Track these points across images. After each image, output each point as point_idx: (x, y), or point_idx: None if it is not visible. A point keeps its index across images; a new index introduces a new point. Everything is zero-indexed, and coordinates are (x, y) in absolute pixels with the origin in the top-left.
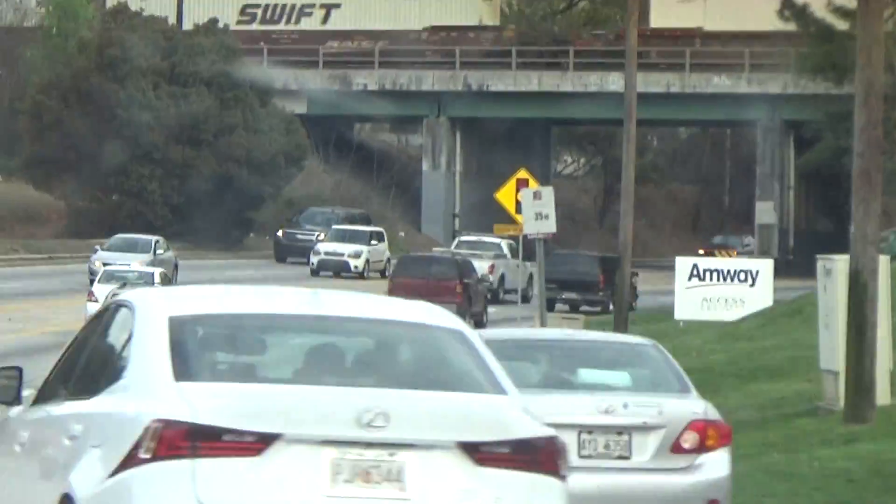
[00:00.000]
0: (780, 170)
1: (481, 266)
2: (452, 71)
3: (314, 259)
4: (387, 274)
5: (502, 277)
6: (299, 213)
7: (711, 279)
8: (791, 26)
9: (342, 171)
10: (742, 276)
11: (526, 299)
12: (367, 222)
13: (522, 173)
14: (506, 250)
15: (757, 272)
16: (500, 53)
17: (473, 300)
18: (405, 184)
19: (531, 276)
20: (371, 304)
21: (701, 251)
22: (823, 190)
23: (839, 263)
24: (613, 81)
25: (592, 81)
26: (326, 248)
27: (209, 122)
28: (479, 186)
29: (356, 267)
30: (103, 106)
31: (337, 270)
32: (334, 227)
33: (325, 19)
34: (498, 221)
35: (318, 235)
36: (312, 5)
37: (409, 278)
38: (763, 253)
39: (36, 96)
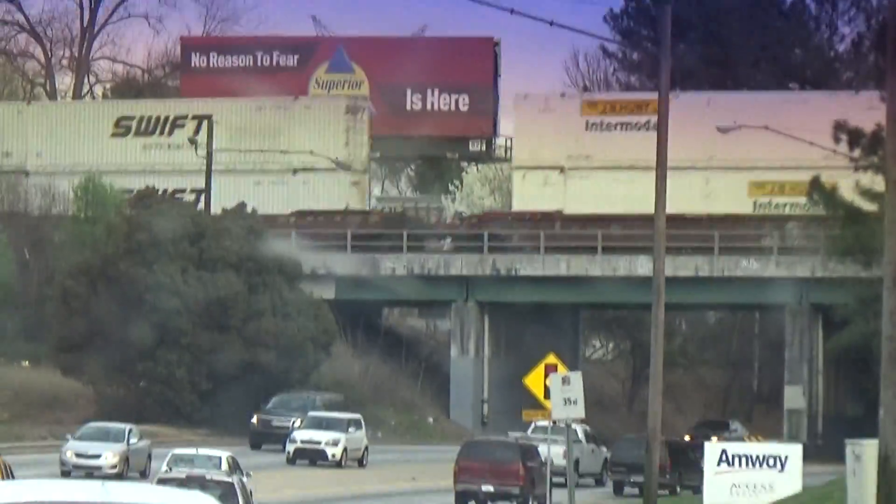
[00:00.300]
0: (808, 354)
1: (557, 451)
2: (481, 255)
3: (290, 447)
4: (364, 462)
5: (577, 462)
6: (268, 399)
7: (740, 465)
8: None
9: (370, 356)
10: (771, 461)
11: (600, 483)
12: (345, 408)
13: (551, 358)
14: (581, 436)
15: (786, 457)
16: (528, 237)
17: (536, 483)
18: (434, 369)
19: (605, 461)
20: (149, 494)
21: (687, 437)
22: (852, 374)
23: (868, 448)
24: (642, 265)
25: (621, 265)
26: (303, 435)
27: (237, 306)
28: (508, 371)
29: (333, 455)
30: (131, 291)
31: (314, 459)
32: (310, 413)
33: (197, 130)
34: (527, 406)
35: (295, 422)
36: (185, 116)
37: (473, 461)
38: (792, 438)
39: (64, 281)
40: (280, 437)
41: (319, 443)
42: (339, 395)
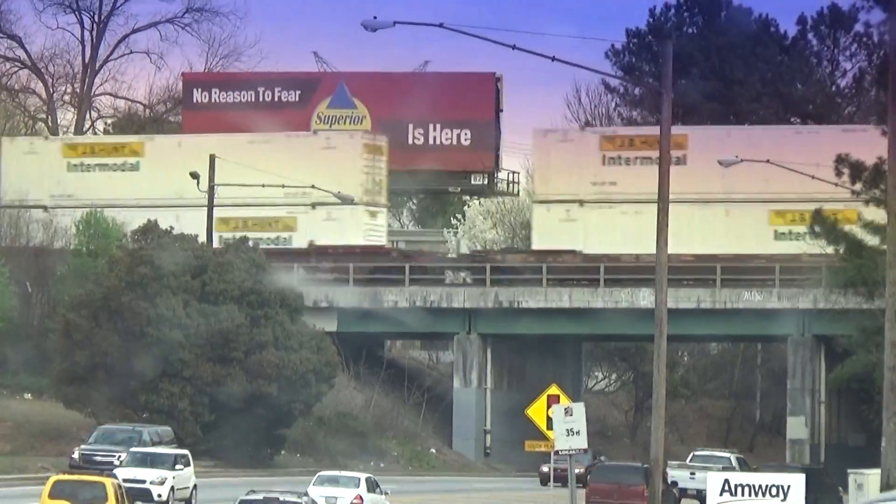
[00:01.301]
0: (811, 384)
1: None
2: (483, 288)
3: None
4: (193, 503)
5: None
6: (90, 432)
7: (743, 494)
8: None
9: (373, 387)
10: (774, 490)
11: None
12: (174, 442)
13: (553, 389)
14: (734, 463)
15: (789, 487)
16: (530, 270)
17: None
18: (436, 400)
19: None
20: None
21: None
22: (855, 404)
23: (871, 478)
24: (644, 297)
25: (623, 297)
26: (126, 473)
27: (240, 339)
28: (511, 401)
29: (160, 496)
30: (133, 323)
31: (137, 500)
32: (132, 449)
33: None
34: (530, 437)
35: (119, 457)
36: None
37: (603, 483)
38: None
39: (66, 314)
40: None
41: (144, 481)
42: (168, 428)
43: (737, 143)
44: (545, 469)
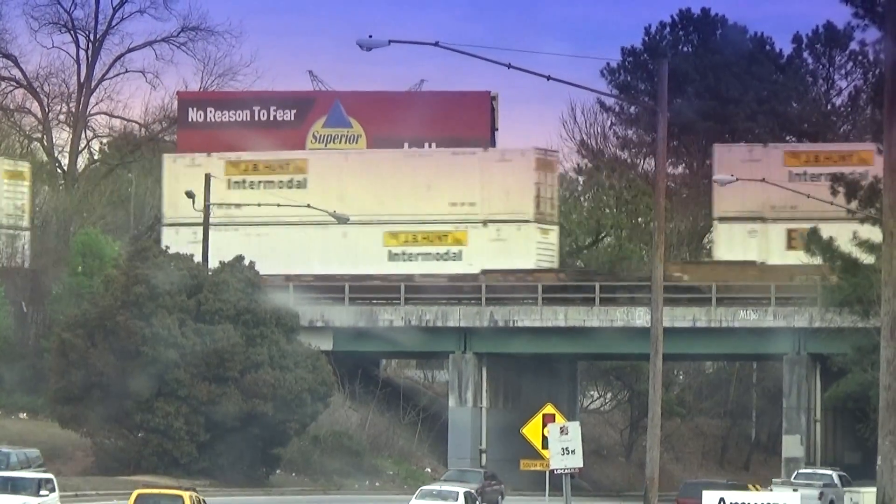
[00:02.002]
0: (806, 403)
1: (812, 494)
2: (478, 307)
3: None
4: None
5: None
6: None
7: None
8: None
9: (368, 406)
10: None
11: None
12: (42, 466)
13: (549, 408)
14: (836, 480)
15: None
16: (525, 289)
17: None
18: (431, 419)
19: None
20: None
21: None
22: (850, 423)
23: (866, 496)
24: (640, 316)
25: (619, 316)
26: None
27: (235, 358)
28: (506, 420)
29: None
30: (129, 343)
31: None
32: None
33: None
34: (525, 455)
35: None
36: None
37: (689, 499)
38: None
39: (62, 334)
40: None
41: None
42: (36, 451)
43: (353, 165)
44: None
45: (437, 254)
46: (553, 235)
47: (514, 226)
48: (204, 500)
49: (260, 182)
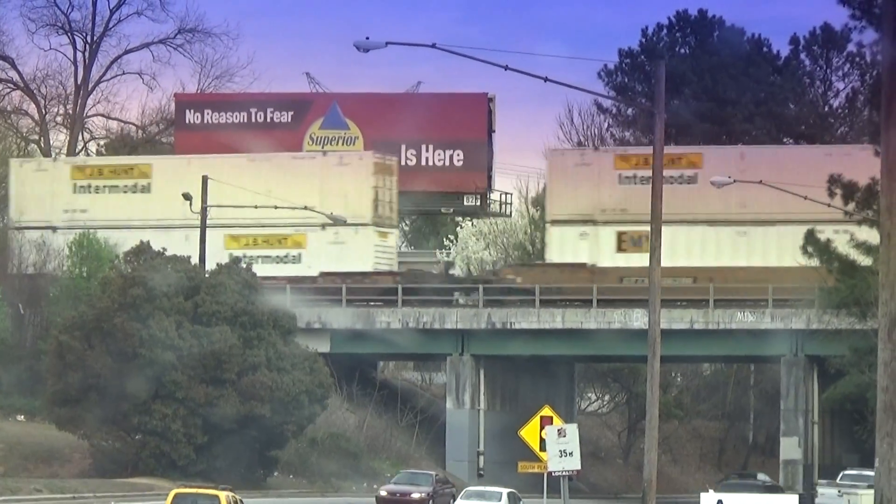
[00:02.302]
0: (804, 405)
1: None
2: (476, 309)
3: None
4: None
5: None
6: None
7: None
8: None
9: (366, 408)
10: None
11: None
12: None
13: (546, 411)
14: None
15: None
16: (523, 291)
17: None
18: (429, 421)
19: None
20: None
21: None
22: (848, 425)
23: (864, 498)
24: (637, 318)
25: (616, 318)
26: None
27: (232, 360)
28: (504, 423)
29: None
30: (126, 345)
31: None
32: None
33: None
34: (523, 458)
35: None
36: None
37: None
38: (788, 488)
39: (59, 336)
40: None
41: None
42: None
43: (196, 170)
44: (383, 493)
45: (277, 256)
46: (392, 238)
47: (352, 229)
48: (241, 500)
49: (105, 186)
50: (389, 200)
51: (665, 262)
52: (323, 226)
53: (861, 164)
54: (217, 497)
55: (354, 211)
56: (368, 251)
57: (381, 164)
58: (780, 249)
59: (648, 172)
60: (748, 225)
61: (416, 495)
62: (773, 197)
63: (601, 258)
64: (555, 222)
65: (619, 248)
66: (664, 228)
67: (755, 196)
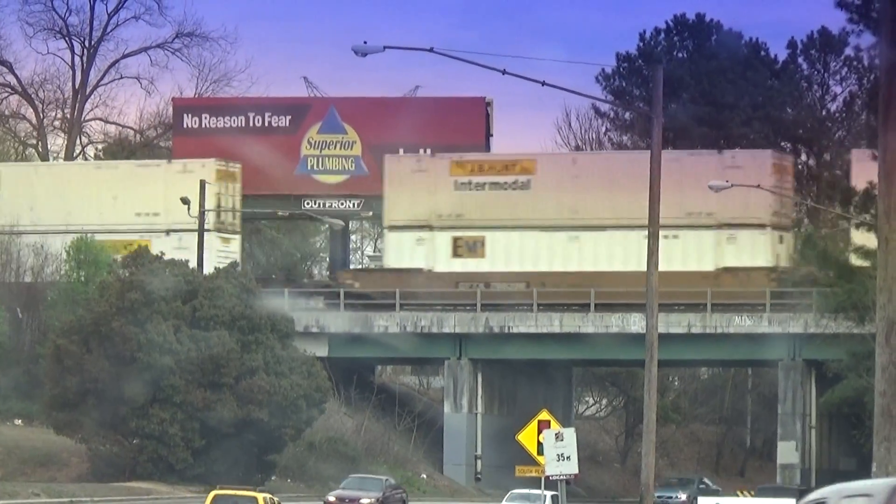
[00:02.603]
0: (801, 409)
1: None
2: (474, 313)
3: None
4: None
5: None
6: None
7: None
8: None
9: (363, 412)
10: None
11: None
12: None
13: (544, 415)
14: None
15: None
16: (521, 295)
17: None
18: (427, 425)
19: None
20: None
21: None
22: (845, 429)
23: (861, 503)
24: (634, 322)
25: (614, 322)
26: None
27: (230, 364)
28: (501, 426)
29: None
30: (124, 349)
31: None
32: None
33: None
34: (520, 462)
35: None
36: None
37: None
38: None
39: (57, 340)
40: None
41: None
42: None
43: (44, 177)
44: (331, 499)
45: None
46: (234, 244)
47: (194, 234)
48: (278, 502)
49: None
50: (232, 207)
51: (499, 266)
52: (167, 231)
53: (699, 168)
54: (255, 498)
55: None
56: (210, 256)
57: (224, 171)
58: (610, 254)
59: (483, 178)
60: (580, 230)
61: (365, 500)
62: (604, 203)
63: (437, 263)
64: (392, 228)
65: (455, 254)
66: (498, 234)
67: (587, 202)
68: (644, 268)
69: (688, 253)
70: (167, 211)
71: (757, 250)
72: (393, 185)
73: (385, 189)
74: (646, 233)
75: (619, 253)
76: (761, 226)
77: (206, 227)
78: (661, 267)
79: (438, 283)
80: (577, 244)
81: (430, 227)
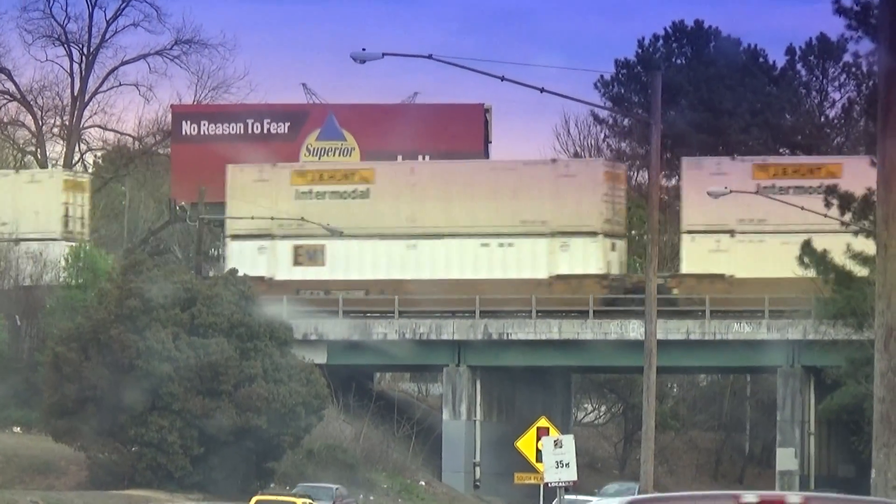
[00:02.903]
0: (800, 415)
1: None
2: (473, 320)
3: None
4: None
5: None
6: None
7: None
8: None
9: (362, 419)
10: None
11: None
12: None
13: (543, 422)
14: None
15: None
16: (519, 302)
17: None
18: (425, 432)
19: None
20: None
21: None
22: (844, 435)
23: None
24: (634, 329)
25: (613, 329)
26: None
27: (229, 372)
28: (500, 433)
29: None
30: (123, 357)
31: None
32: None
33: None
34: (519, 469)
35: None
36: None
37: None
38: None
39: (56, 347)
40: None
41: None
42: None
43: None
44: None
45: None
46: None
47: (42, 244)
48: None
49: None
50: (81, 216)
51: (339, 274)
52: (17, 241)
53: (534, 177)
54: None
55: (44, 226)
56: (58, 266)
57: (72, 181)
58: (447, 261)
59: (323, 188)
60: (417, 238)
61: None
62: (440, 212)
63: (278, 272)
64: (234, 237)
65: (296, 262)
66: (338, 242)
67: (424, 211)
68: (477, 276)
69: (522, 260)
70: (15, 220)
71: (589, 258)
72: (235, 195)
73: (227, 199)
74: (480, 241)
75: (456, 260)
76: (593, 234)
77: (53, 236)
78: (497, 275)
79: (280, 291)
80: (414, 252)
81: (271, 237)
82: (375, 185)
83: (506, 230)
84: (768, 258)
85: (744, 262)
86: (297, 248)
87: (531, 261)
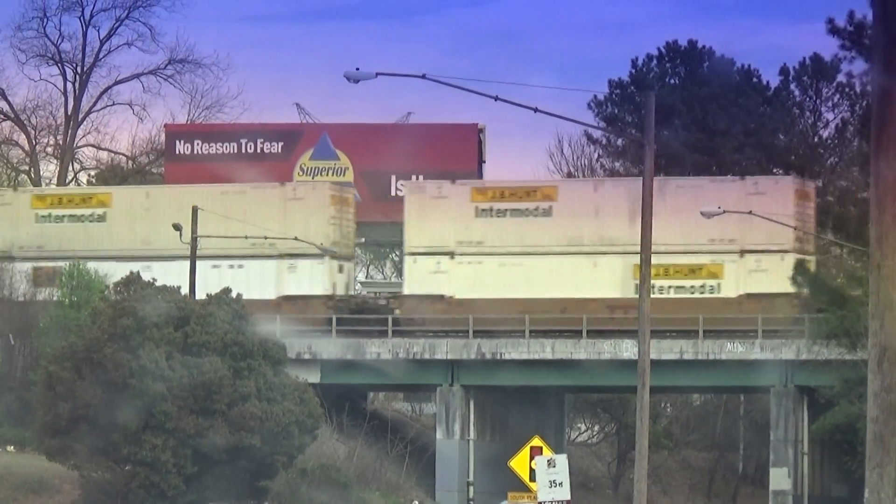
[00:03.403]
0: (794, 435)
1: None
2: (466, 339)
3: None
4: None
5: None
6: None
7: None
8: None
9: (356, 439)
10: None
11: None
12: None
13: (536, 441)
14: None
15: None
16: (514, 321)
17: None
18: (419, 452)
19: None
20: None
21: None
22: (838, 455)
23: None
24: (626, 348)
25: (606, 349)
26: None
27: (222, 391)
28: (494, 453)
29: None
30: (116, 375)
31: None
32: None
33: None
34: (513, 488)
35: None
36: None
37: None
38: None
39: (49, 366)
40: None
41: None
42: None
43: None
44: None
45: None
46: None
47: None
48: None
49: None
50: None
51: None
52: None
53: (256, 200)
54: None
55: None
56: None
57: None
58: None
59: (62, 211)
60: (152, 260)
61: None
62: (175, 235)
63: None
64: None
65: (37, 284)
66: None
67: (160, 233)
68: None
69: (251, 282)
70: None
71: (315, 279)
72: None
73: None
74: (211, 263)
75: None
76: (320, 255)
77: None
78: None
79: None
80: (149, 273)
81: (11, 258)
82: (112, 210)
83: (235, 252)
84: (487, 279)
85: (463, 284)
86: (36, 270)
87: (260, 282)
